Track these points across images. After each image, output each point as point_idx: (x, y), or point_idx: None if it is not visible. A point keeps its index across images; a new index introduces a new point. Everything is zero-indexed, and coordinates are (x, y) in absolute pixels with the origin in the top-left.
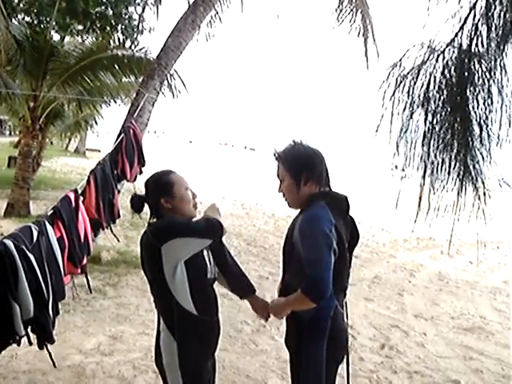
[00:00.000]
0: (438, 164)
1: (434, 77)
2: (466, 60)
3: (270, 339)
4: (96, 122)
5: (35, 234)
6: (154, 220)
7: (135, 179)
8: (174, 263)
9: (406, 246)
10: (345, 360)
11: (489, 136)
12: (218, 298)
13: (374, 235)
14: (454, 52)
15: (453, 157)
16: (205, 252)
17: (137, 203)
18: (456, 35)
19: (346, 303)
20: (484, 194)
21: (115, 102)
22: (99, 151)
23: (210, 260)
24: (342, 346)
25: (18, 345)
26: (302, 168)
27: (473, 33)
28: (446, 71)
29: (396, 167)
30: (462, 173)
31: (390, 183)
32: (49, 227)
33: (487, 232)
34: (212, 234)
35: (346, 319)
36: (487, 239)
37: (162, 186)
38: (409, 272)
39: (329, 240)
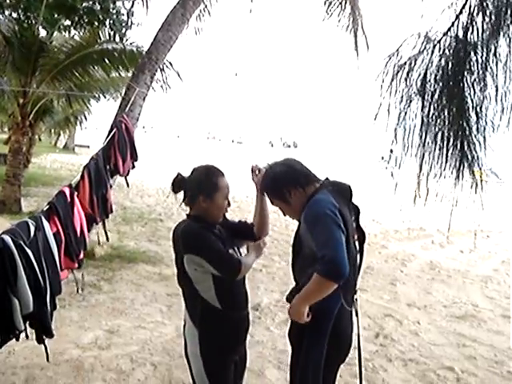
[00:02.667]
0: (435, 151)
1: (431, 66)
2: (462, 49)
3: (266, 330)
4: (86, 118)
5: (32, 229)
6: (191, 211)
7: (128, 173)
8: (194, 267)
9: (397, 237)
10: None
11: (486, 123)
12: (248, 291)
13: (365, 226)
14: (450, 41)
15: (450, 143)
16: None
17: (178, 184)
18: (452, 25)
19: (356, 300)
20: (481, 179)
21: (105, 96)
22: (88, 147)
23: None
24: (344, 346)
25: (17, 340)
26: (278, 189)
27: (468, 22)
28: (443, 60)
29: (383, 158)
30: (459, 159)
31: (379, 175)
32: (45, 222)
33: (478, 221)
34: (227, 274)
35: (356, 316)
36: (478, 228)
37: (209, 186)
38: (401, 262)
39: (335, 218)
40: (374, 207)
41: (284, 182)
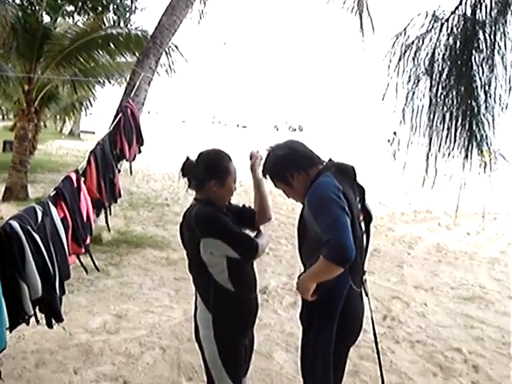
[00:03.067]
0: (443, 131)
1: (439, 45)
2: (470, 27)
3: (274, 313)
4: (91, 104)
5: (39, 214)
6: (198, 195)
7: (134, 158)
8: (210, 251)
9: (404, 219)
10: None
11: (494, 102)
12: (256, 274)
13: (372, 209)
14: (458, 20)
15: (459, 123)
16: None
17: (187, 169)
18: (460, 3)
19: (365, 281)
20: (490, 159)
21: (110, 82)
22: (93, 133)
23: None
24: (354, 329)
25: (28, 324)
26: (280, 172)
27: (476, 0)
28: (451, 39)
29: (389, 141)
30: (467, 138)
31: (385, 157)
32: (52, 208)
33: (485, 203)
34: (246, 255)
35: (366, 296)
36: (485, 210)
37: (220, 171)
38: (407, 244)
39: (339, 202)
40: (381, 190)
41: (286, 166)
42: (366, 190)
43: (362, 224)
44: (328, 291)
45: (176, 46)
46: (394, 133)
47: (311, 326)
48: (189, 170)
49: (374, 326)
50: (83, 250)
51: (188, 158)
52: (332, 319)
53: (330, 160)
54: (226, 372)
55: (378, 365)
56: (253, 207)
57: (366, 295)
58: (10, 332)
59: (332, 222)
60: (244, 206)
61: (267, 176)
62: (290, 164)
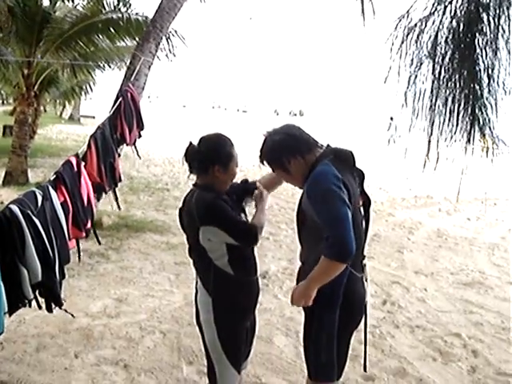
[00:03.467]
0: (446, 114)
1: (442, 27)
2: (474, 10)
3: (274, 298)
4: (91, 88)
5: (39, 198)
6: (199, 181)
7: (134, 143)
8: (209, 237)
9: (404, 205)
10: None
11: (498, 85)
12: (256, 258)
13: (372, 194)
14: (461, 2)
15: (461, 106)
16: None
17: (190, 153)
18: None
19: (364, 265)
20: (493, 143)
21: (110, 66)
22: (93, 117)
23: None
24: (357, 313)
25: (30, 306)
26: (277, 158)
27: None
28: (454, 21)
29: (389, 123)
30: (470, 122)
31: (386, 143)
32: (52, 192)
33: (485, 188)
34: (245, 243)
35: (365, 282)
36: (485, 196)
37: (223, 156)
38: (408, 230)
39: (340, 193)
40: (381, 175)
41: (283, 151)
42: (366, 175)
43: (361, 209)
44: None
45: (176, 31)
46: (391, 118)
47: (313, 310)
48: (192, 155)
49: (365, 311)
50: (84, 234)
51: (191, 143)
52: (334, 304)
53: (328, 146)
54: (225, 356)
55: (364, 343)
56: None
57: (366, 281)
58: (10, 316)
59: (332, 218)
60: (242, 181)
61: (264, 162)
62: (286, 149)
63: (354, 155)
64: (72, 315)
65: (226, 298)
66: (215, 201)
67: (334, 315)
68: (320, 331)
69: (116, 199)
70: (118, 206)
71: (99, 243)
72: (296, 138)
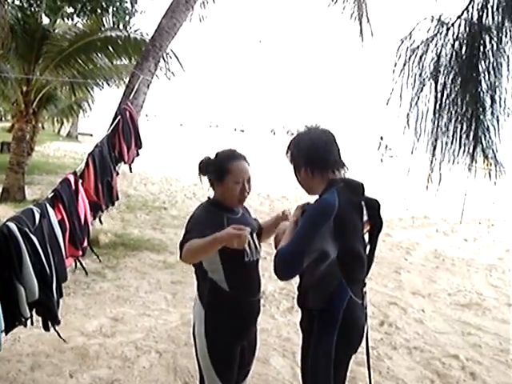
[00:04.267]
0: (449, 136)
1: (445, 50)
2: (477, 33)
3: (271, 318)
4: (89, 106)
5: (37, 216)
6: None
7: (133, 161)
8: None
9: (402, 225)
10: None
11: (500, 107)
12: (261, 279)
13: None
14: (464, 25)
15: (464, 129)
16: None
17: (204, 167)
18: (466, 8)
19: (365, 293)
20: (496, 166)
21: (108, 84)
22: (91, 135)
23: (251, 244)
24: (355, 339)
25: (25, 326)
26: (292, 159)
27: (483, 5)
28: (457, 44)
29: (386, 147)
30: (473, 144)
31: (384, 162)
32: (50, 210)
33: (482, 210)
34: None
35: (365, 309)
36: (482, 217)
37: (219, 170)
38: (405, 250)
39: (318, 228)
40: (379, 195)
41: (299, 157)
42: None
43: (366, 236)
44: (327, 301)
45: (174, 53)
46: (381, 137)
47: (312, 330)
48: (205, 168)
49: (367, 337)
50: (80, 253)
51: (206, 157)
52: (332, 326)
53: (343, 177)
54: (214, 371)
55: (367, 367)
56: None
57: (365, 308)
58: (6, 334)
59: (297, 235)
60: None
61: (293, 149)
62: (302, 158)
63: (364, 187)
64: (64, 340)
65: (218, 314)
66: (199, 212)
67: (332, 337)
68: (317, 353)
69: (100, 218)
70: (100, 221)
71: (99, 260)
72: (317, 153)
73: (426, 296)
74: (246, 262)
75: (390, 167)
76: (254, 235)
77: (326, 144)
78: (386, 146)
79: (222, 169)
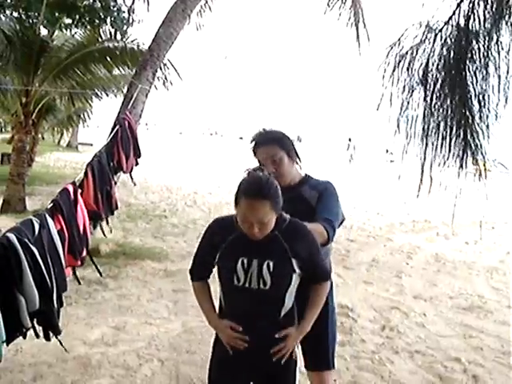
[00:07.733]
0: (439, 139)
1: (433, 55)
2: (464, 38)
3: None
4: (89, 116)
5: (37, 226)
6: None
7: (131, 171)
8: None
9: (402, 229)
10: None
11: (488, 111)
12: (270, 317)
13: (370, 219)
14: (451, 30)
15: (453, 132)
16: (242, 260)
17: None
18: (453, 13)
19: None
20: (485, 168)
21: (107, 94)
22: (91, 145)
23: (248, 267)
24: None
25: (24, 337)
26: (288, 143)
27: (470, 11)
28: (445, 49)
29: (387, 151)
30: (462, 148)
31: (383, 167)
32: (49, 220)
33: (483, 212)
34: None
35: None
36: (482, 219)
37: (235, 199)
38: (406, 254)
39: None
40: (379, 200)
41: (292, 144)
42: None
43: None
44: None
45: (171, 63)
46: (349, 139)
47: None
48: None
49: None
50: (79, 263)
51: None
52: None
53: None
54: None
55: None
56: None
57: None
58: (7, 345)
59: (337, 213)
60: None
61: (274, 141)
62: (290, 142)
63: None
64: (66, 350)
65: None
66: (211, 225)
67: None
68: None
69: (101, 227)
70: (103, 233)
71: (100, 275)
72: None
73: (428, 300)
74: (237, 286)
75: (390, 171)
76: (271, 264)
77: None
78: (354, 147)
79: (236, 199)
